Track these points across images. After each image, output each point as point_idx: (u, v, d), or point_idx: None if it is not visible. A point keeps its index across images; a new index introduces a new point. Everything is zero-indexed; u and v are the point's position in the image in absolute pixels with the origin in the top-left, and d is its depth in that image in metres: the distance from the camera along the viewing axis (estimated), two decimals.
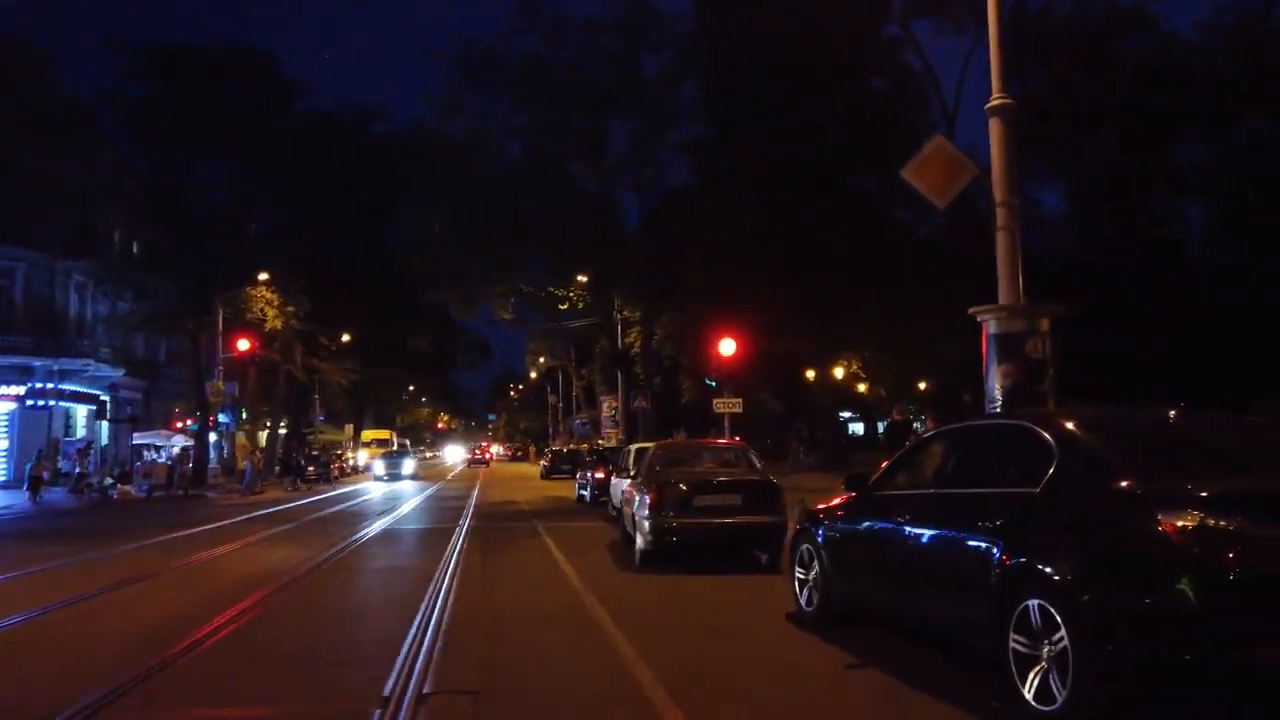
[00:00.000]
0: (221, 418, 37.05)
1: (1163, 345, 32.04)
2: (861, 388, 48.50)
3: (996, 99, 9.96)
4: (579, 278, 33.72)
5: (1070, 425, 4.65)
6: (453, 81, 30.96)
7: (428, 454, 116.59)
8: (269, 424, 42.55)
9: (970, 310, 10.02)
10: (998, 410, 9.45)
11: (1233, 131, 31.59)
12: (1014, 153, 9.98)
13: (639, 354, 34.50)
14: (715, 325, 23.56)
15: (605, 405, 41.33)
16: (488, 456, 79.45)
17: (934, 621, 5.35)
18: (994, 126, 9.91)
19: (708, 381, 28.43)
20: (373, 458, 44.41)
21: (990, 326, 9.81)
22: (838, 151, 28.49)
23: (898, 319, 30.23)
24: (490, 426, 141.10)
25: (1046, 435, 4.62)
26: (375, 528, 17.02)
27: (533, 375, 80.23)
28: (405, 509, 22.39)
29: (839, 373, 32.84)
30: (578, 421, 48.85)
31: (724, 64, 29.59)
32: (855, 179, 30.38)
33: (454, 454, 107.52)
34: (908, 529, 5.44)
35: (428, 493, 29.99)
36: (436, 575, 9.96)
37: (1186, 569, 3.64)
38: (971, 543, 4.78)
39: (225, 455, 37.72)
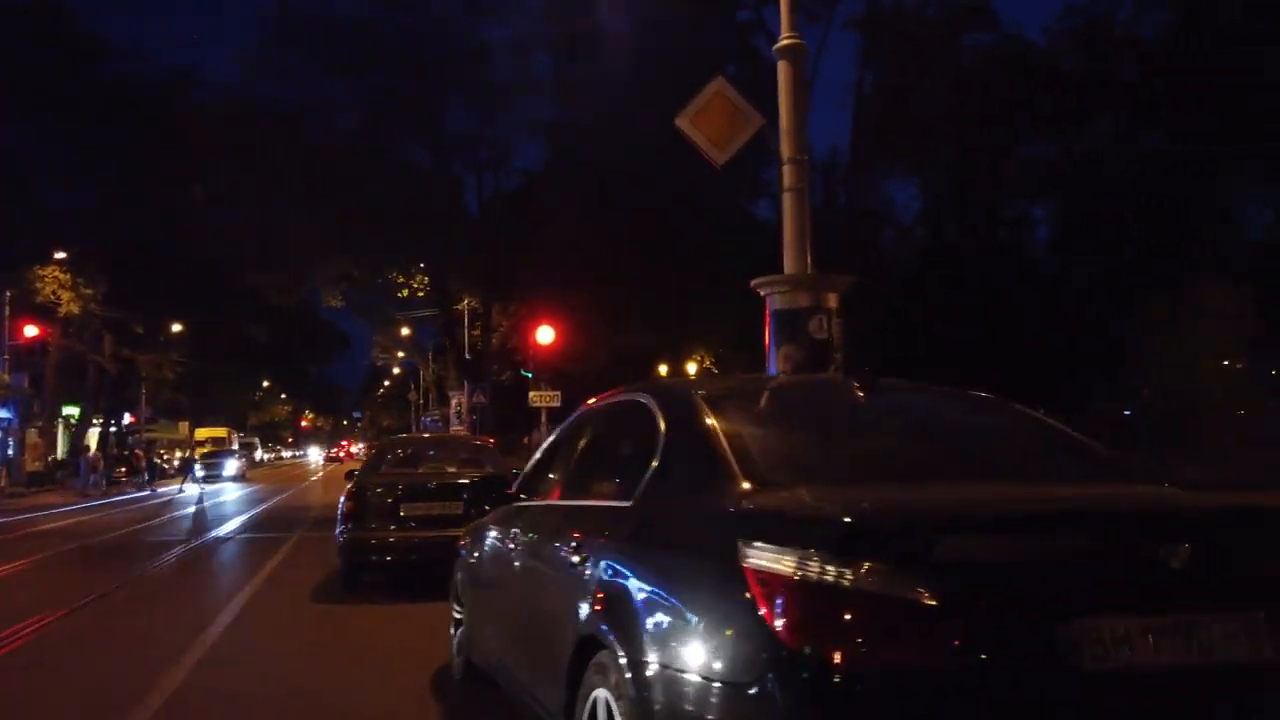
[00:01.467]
0: (2, 412, 32.94)
1: (1008, 348, 32.22)
2: None
3: (785, 39, 8.56)
4: (420, 264, 31.45)
5: (690, 397, 3.03)
6: (273, 43, 28.19)
7: (285, 454, 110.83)
8: (92, 420, 38.45)
9: (752, 283, 8.63)
10: None
11: (1076, 133, 32.03)
12: (805, 102, 8.62)
13: (481, 347, 32.50)
14: (547, 316, 21.91)
15: (454, 401, 39.18)
16: (342, 455, 75.96)
17: (531, 703, 3.58)
18: (782, 71, 8.52)
19: (523, 373, 26.76)
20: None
21: (772, 301, 8.41)
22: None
23: (743, 314, 29.37)
24: (359, 424, 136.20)
25: (659, 416, 3.03)
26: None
27: (395, 371, 76.87)
28: (180, 512, 19.91)
29: (692, 368, 31.68)
30: (428, 419, 46.35)
31: (571, 39, 27.97)
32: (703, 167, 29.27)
33: (319, 454, 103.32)
34: (511, 557, 3.85)
35: (238, 495, 27.33)
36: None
37: (777, 658, 2.04)
38: (551, 586, 3.22)
39: (10, 454, 33.55)
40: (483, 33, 29.26)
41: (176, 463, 40.91)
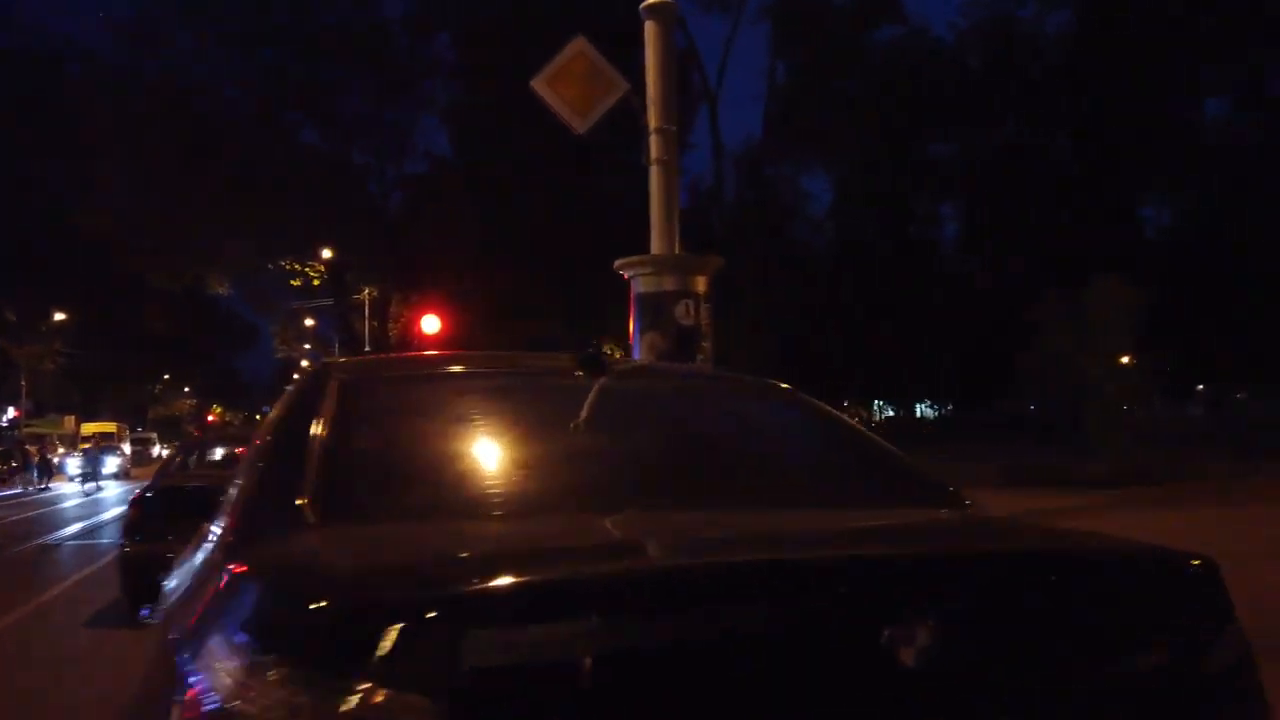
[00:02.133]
0: None
1: (915, 343, 32.38)
2: None
3: None
4: (316, 251, 30.01)
5: (321, 381, 2.23)
6: (157, 14, 26.48)
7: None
8: None
9: (615, 264, 7.93)
10: None
11: (982, 132, 32.39)
12: (673, 67, 7.94)
13: (380, 338, 31.22)
14: (442, 305, 20.92)
15: None
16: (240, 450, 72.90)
17: None
18: (649, 32, 7.80)
19: None
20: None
21: (636, 285, 7.72)
22: (603, 130, 26.64)
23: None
24: None
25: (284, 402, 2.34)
26: None
27: (305, 364, 74.29)
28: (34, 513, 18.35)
29: None
30: None
31: (473, 22, 26.93)
32: (610, 159, 28.62)
33: (222, 451, 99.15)
34: None
35: (117, 493, 25.59)
36: None
37: None
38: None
39: None
40: (381, 9, 28.05)
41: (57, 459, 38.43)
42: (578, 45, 7.84)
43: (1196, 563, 1.57)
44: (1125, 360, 13.35)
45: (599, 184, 25.64)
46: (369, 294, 32.16)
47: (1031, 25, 31.21)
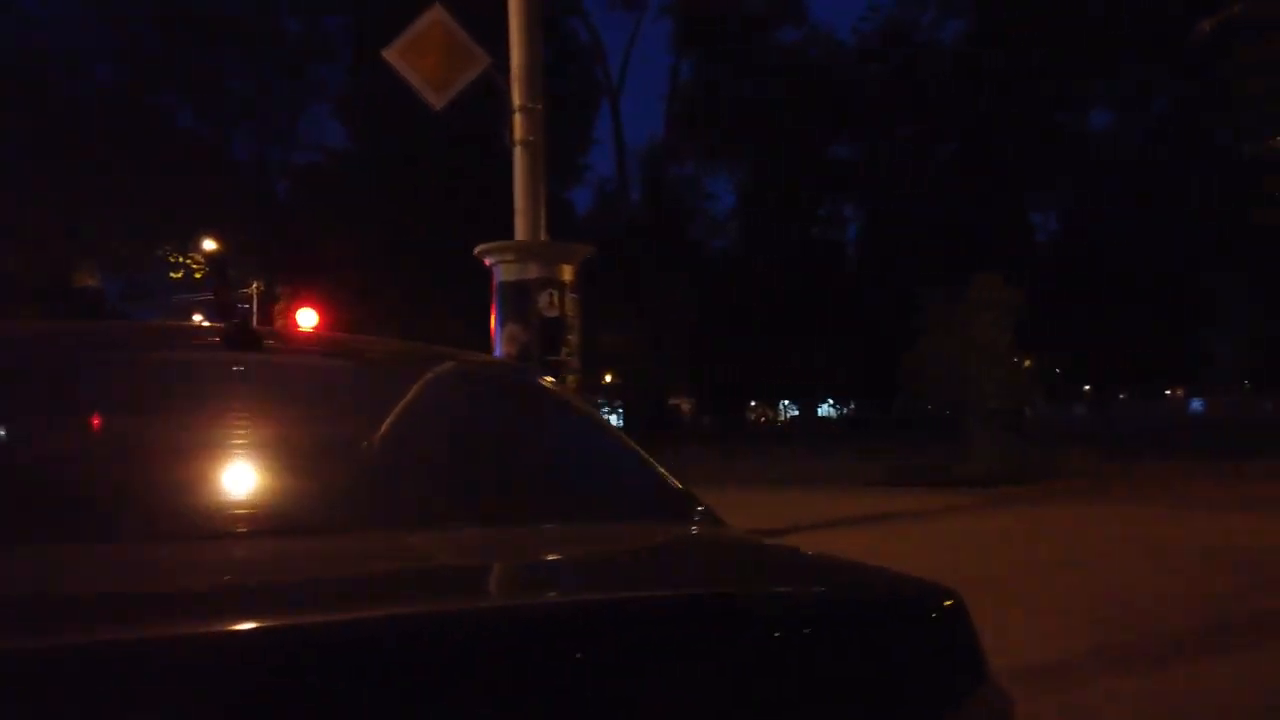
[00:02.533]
0: None
1: (813, 345, 32.58)
2: None
3: None
4: (196, 241, 28.40)
5: None
6: None
7: None
8: None
9: (476, 250, 7.40)
10: None
11: (881, 135, 32.83)
12: (539, 38, 7.46)
13: None
14: (324, 300, 19.91)
15: None
16: None
17: None
18: (513, 3, 7.31)
19: None
20: None
21: (498, 273, 7.22)
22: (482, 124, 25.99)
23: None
24: None
25: None
26: None
27: None
28: None
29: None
30: None
31: (364, 3, 25.86)
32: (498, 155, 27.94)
33: None
34: None
35: None
36: None
37: None
38: None
39: None
40: None
41: None
42: (433, 14, 7.25)
43: (944, 603, 1.17)
44: (1008, 360, 13.46)
45: (501, 172, 24.94)
46: (256, 288, 30.69)
47: (929, 32, 31.79)
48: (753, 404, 57.88)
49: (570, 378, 6.99)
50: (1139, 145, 32.01)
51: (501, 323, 7.05)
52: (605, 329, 33.29)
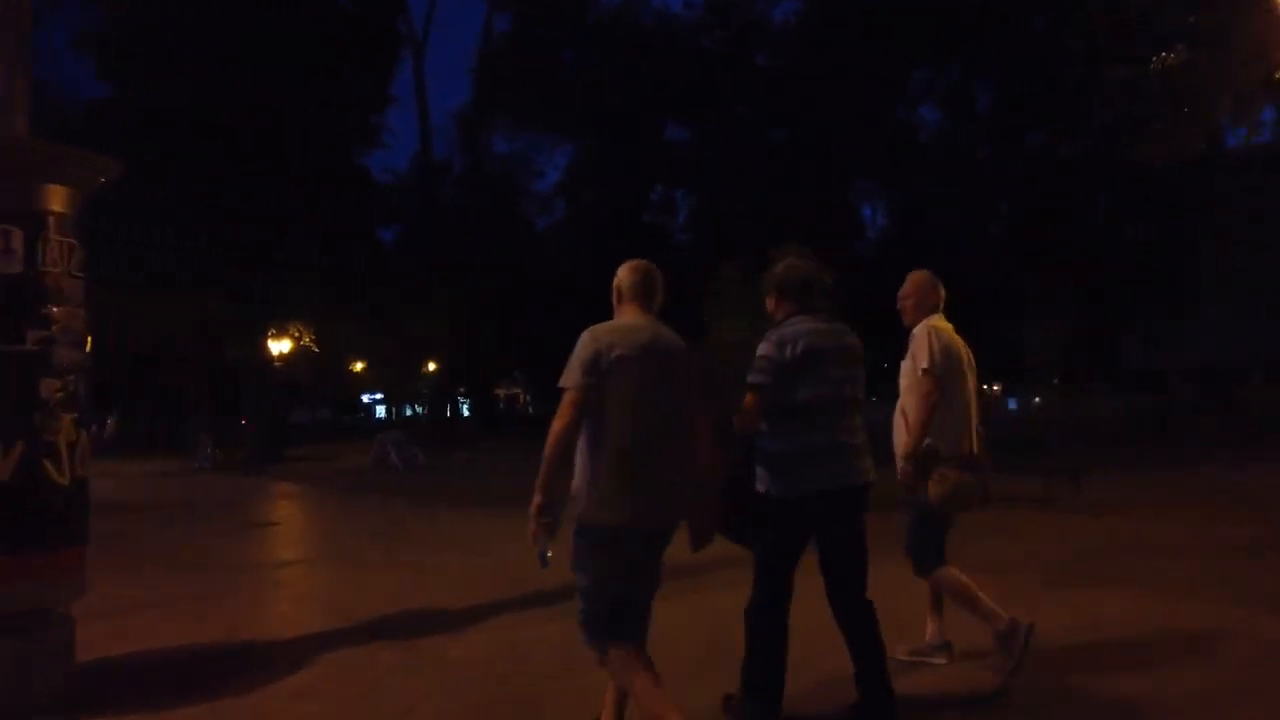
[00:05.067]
0: None
1: None
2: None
3: None
4: None
5: None
6: None
7: None
8: None
9: None
10: None
11: (712, 116, 31.14)
12: None
13: None
14: None
15: None
16: None
17: None
18: None
19: None
20: None
21: None
22: (291, 75, 22.69)
23: (343, 279, 25.22)
24: None
25: None
26: None
27: None
28: None
29: (281, 347, 26.62)
30: None
31: None
32: (307, 110, 24.64)
33: None
34: None
35: None
36: None
37: None
38: None
39: None
40: None
41: None
42: None
43: None
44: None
45: (277, 137, 21.80)
46: None
47: (762, 12, 30.29)
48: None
49: (54, 383, 4.34)
50: (967, 142, 31.65)
51: None
52: (419, 316, 30.35)
